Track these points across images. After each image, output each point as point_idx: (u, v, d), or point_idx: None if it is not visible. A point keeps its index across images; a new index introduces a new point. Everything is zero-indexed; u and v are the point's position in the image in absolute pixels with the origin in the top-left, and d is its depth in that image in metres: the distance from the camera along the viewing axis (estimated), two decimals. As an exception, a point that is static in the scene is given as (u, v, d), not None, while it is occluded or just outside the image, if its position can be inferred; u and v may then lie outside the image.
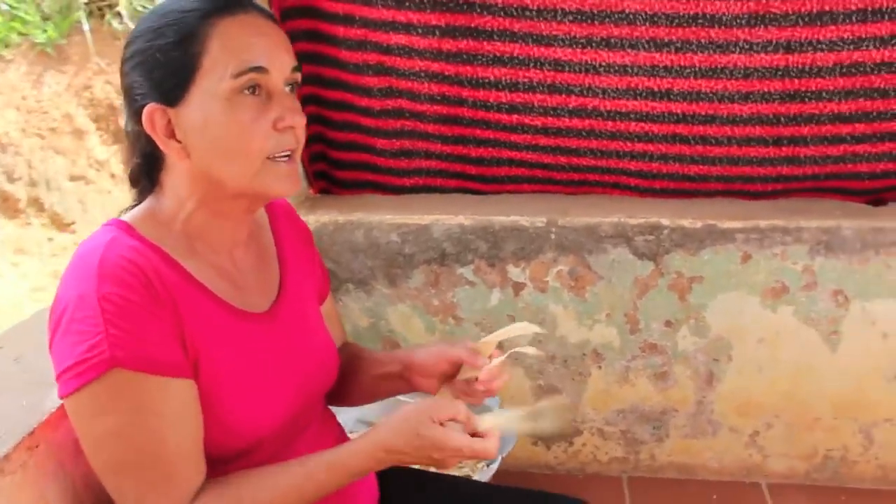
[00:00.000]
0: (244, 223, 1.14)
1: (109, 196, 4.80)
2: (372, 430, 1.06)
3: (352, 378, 1.33)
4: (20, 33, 4.94)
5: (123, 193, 4.75)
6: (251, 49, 1.00)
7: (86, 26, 4.88)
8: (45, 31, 4.90)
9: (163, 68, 1.00)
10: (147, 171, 1.08)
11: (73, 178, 4.78)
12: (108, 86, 4.86)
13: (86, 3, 4.95)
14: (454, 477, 1.49)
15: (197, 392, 1.01)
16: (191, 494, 0.99)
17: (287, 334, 1.16)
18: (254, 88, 1.01)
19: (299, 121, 1.03)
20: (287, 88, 1.05)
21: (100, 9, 4.99)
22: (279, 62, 1.02)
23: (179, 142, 1.02)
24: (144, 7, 4.90)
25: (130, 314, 0.94)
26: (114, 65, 4.90)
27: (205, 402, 1.02)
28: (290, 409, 1.13)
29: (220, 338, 1.05)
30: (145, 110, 1.00)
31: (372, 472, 1.07)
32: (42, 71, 4.91)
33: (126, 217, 1.07)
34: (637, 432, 2.23)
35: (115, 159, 4.87)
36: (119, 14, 4.89)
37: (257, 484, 1.02)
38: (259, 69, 1.00)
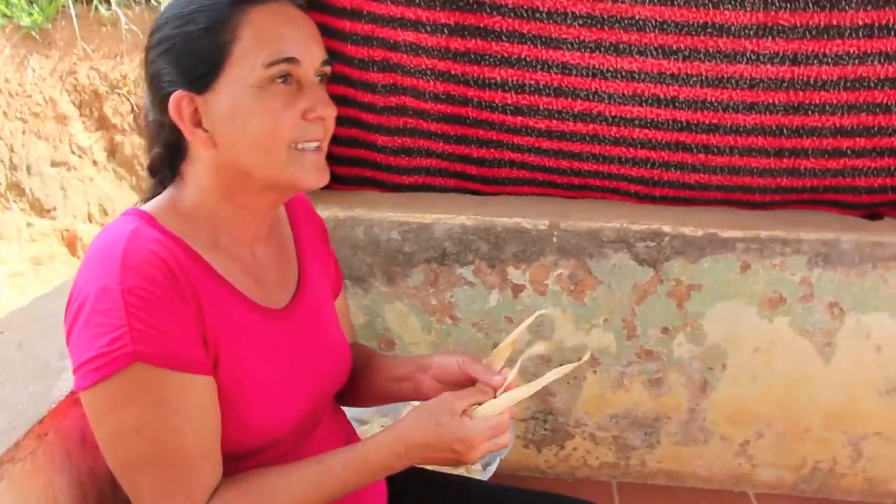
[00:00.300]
0: (267, 217, 1.12)
1: (91, 183, 4.73)
2: (392, 425, 1.05)
3: (362, 379, 1.31)
4: (5, 15, 4.86)
5: (106, 181, 4.71)
6: (283, 39, 0.99)
7: (72, 11, 4.80)
8: (30, 14, 4.82)
9: (192, 55, 0.99)
10: (169, 161, 1.06)
11: (54, 164, 4.71)
12: (92, 72, 4.79)
13: (73, -12, 4.88)
14: (464, 477, 1.48)
15: (216, 389, 0.99)
16: (209, 492, 0.97)
17: (304, 331, 1.15)
18: (285, 78, 0.99)
19: (330, 112, 1.02)
20: (317, 79, 1.04)
21: (87, -7, 4.92)
22: (310, 53, 1.01)
23: (206, 131, 1.00)
24: (133, -6, 4.84)
25: (154, 308, 0.92)
26: (99, 51, 4.84)
27: (223, 399, 1.00)
28: (306, 406, 1.12)
29: (240, 334, 1.03)
30: (172, 97, 0.99)
31: (393, 469, 1.05)
32: (26, 54, 4.83)
33: (147, 207, 1.04)
34: (629, 438, 2.24)
35: (97, 146, 4.80)
36: (107, 0, 4.82)
37: (276, 482, 1.01)
38: (291, 60, 0.99)
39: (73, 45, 4.84)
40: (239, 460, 1.04)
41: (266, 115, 0.98)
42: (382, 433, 1.05)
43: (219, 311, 1.00)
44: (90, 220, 4.70)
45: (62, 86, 4.78)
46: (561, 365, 2.12)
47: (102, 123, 4.81)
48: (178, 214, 1.04)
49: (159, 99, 1.01)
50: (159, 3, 4.76)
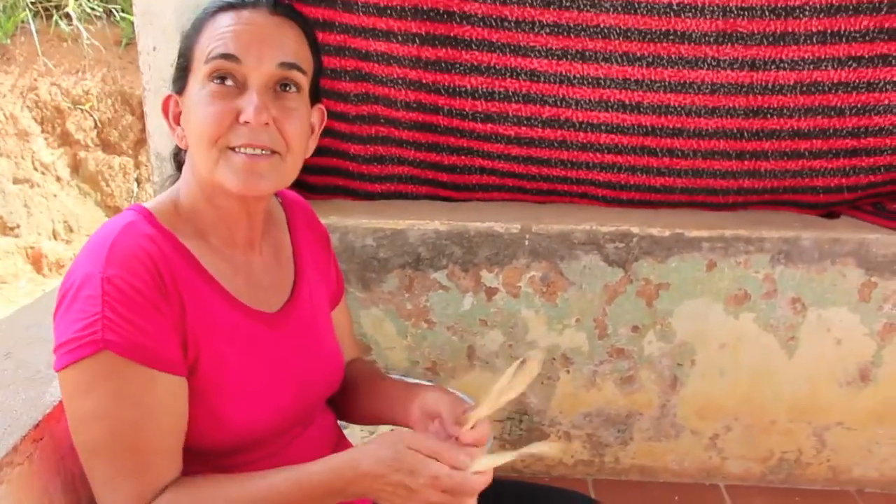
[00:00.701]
0: (253, 223, 1.14)
1: (55, 200, 4.68)
2: (349, 449, 1.01)
3: (362, 398, 1.30)
4: (-38, 32, 4.81)
5: (70, 198, 4.67)
6: (225, 37, 1.03)
7: (32, 27, 4.77)
8: (-12, 30, 4.78)
9: (177, 60, 1.08)
10: (176, 155, 1.17)
11: (17, 181, 4.66)
12: (54, 87, 4.75)
13: (32, 4, 4.84)
14: None
15: (186, 390, 1.01)
16: (158, 488, 0.98)
17: (295, 337, 1.17)
18: (224, 77, 1.02)
19: (254, 117, 1.00)
20: (272, 86, 1.04)
21: (46, 10, 4.88)
22: (256, 54, 1.02)
23: (183, 129, 1.08)
24: (94, 9, 4.82)
25: (131, 301, 0.95)
26: (60, 66, 4.81)
27: (202, 397, 1.02)
28: (289, 410, 1.13)
29: (226, 334, 1.06)
30: (164, 98, 1.09)
31: (343, 493, 0.98)
32: (-16, 71, 4.78)
33: (149, 204, 1.08)
34: (602, 435, 2.29)
35: (60, 162, 4.76)
36: (68, 15, 4.79)
37: (218, 492, 0.99)
38: (227, 56, 1.01)
39: (34, 60, 4.80)
40: (219, 457, 1.06)
41: (199, 111, 1.02)
42: (336, 455, 1.00)
43: (203, 309, 1.03)
44: (55, 238, 4.66)
45: (23, 102, 4.73)
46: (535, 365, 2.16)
47: (65, 139, 4.78)
48: (176, 212, 1.09)
49: None
50: (121, 18, 4.75)
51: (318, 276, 1.27)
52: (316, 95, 1.14)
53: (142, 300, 0.96)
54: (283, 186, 1.10)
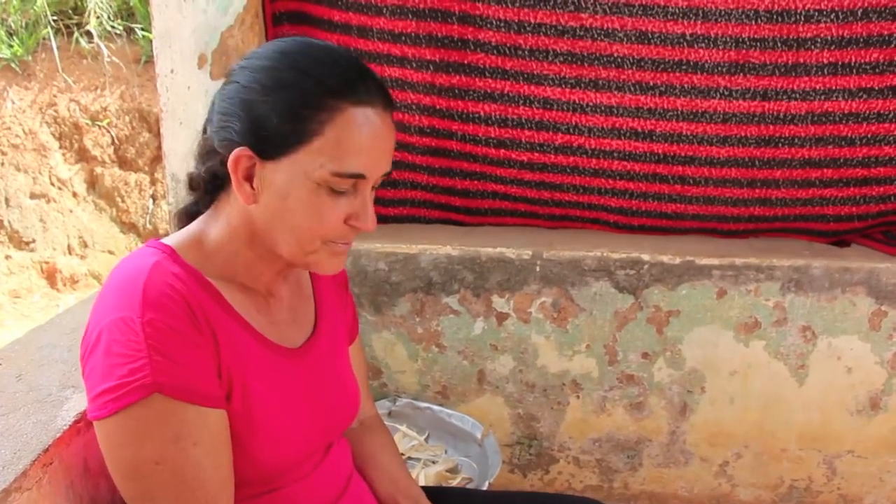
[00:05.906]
0: (283, 269, 1.16)
1: (71, 215, 4.73)
2: None
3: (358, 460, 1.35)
4: (-16, 48, 4.89)
5: (85, 213, 4.72)
6: (360, 154, 1.00)
7: (53, 43, 4.84)
8: (10, 46, 4.84)
9: (271, 125, 0.99)
10: (210, 188, 1.09)
11: (33, 196, 4.71)
12: (73, 104, 4.81)
13: (53, 21, 4.91)
14: (464, 489, 1.52)
15: (228, 422, 1.01)
16: None
17: (317, 371, 1.18)
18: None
19: (371, 227, 1.05)
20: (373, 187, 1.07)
21: (67, 27, 4.95)
22: (378, 169, 1.03)
23: (254, 188, 1.02)
24: (114, 27, 4.88)
25: (172, 341, 0.94)
26: (80, 83, 4.87)
27: (232, 432, 1.02)
28: (311, 445, 1.15)
29: (254, 369, 1.06)
30: (235, 152, 1.00)
31: None
32: (5, 86, 4.84)
33: (169, 240, 1.07)
34: (612, 461, 2.29)
35: (77, 178, 4.81)
36: (88, 33, 4.85)
37: None
38: (359, 176, 1.01)
39: (54, 77, 4.87)
40: (237, 489, 1.06)
41: (315, 214, 1.01)
42: None
43: (233, 345, 1.03)
44: (70, 253, 4.70)
45: (42, 118, 4.79)
46: (545, 390, 2.18)
47: (82, 155, 4.83)
48: (200, 249, 1.07)
49: (223, 138, 1.02)
50: (142, 36, 4.81)
51: (336, 312, 1.28)
52: None
53: (182, 339, 0.95)
54: None
